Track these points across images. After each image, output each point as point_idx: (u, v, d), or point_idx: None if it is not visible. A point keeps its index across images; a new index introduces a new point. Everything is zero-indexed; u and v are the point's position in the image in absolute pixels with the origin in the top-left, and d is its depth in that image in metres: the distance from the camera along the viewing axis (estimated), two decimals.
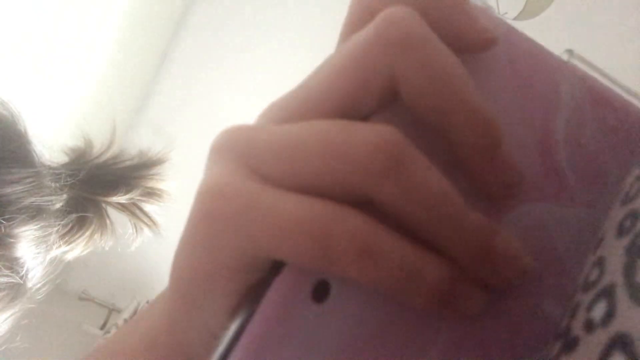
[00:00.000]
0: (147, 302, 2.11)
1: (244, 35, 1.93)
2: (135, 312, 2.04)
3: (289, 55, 1.92)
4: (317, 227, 0.14)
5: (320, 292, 0.15)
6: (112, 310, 2.11)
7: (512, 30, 0.18)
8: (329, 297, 0.15)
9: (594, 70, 0.18)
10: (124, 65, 1.77)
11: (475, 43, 0.17)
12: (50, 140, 0.55)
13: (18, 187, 0.46)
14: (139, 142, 2.05)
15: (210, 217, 0.16)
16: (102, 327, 2.03)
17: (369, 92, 0.16)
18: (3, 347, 0.53)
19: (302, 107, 0.17)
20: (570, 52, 0.18)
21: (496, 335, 0.16)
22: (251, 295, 0.16)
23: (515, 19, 1.70)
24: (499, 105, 0.17)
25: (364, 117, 0.17)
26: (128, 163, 0.59)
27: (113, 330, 1.86)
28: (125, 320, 1.95)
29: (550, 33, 1.72)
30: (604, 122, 0.17)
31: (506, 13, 1.73)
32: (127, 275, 2.07)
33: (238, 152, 0.17)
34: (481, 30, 0.17)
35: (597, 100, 0.17)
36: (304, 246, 0.14)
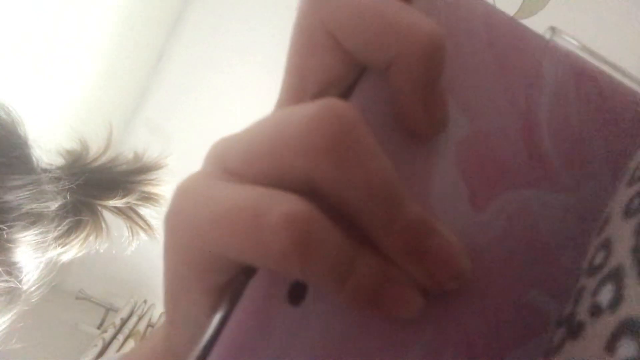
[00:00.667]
0: (145, 301, 2.11)
1: (240, 34, 1.92)
2: (132, 312, 2.03)
3: (286, 55, 1.92)
4: (247, 215, 0.13)
5: (297, 293, 0.15)
6: (109, 309, 2.10)
7: (491, 11, 0.17)
8: (306, 298, 0.15)
9: (579, 47, 0.17)
10: (121, 63, 1.76)
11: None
12: (47, 138, 0.55)
13: (20, 194, 0.47)
14: (135, 140, 2.04)
15: (171, 215, 0.16)
16: (99, 327, 2.02)
17: (321, 63, 0.16)
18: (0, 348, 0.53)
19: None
20: (552, 29, 0.17)
21: (482, 328, 0.15)
22: (229, 293, 0.15)
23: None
24: (480, 88, 0.16)
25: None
26: (125, 167, 0.59)
27: (110, 330, 1.86)
28: (122, 320, 1.94)
29: (544, 33, 1.72)
30: (588, 100, 0.17)
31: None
32: (124, 275, 2.07)
33: (215, 156, 0.17)
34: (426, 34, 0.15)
35: (581, 78, 0.17)
36: (237, 236, 0.14)
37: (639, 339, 0.11)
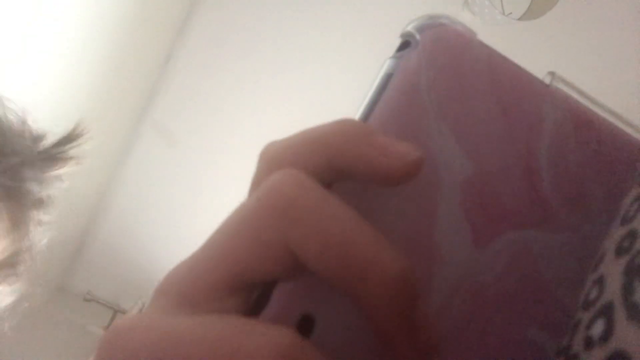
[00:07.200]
0: None
1: (248, 36, 1.93)
2: (139, 313, 2.04)
3: (293, 58, 1.93)
4: (225, 347, 0.13)
5: (305, 327, 0.15)
6: (117, 311, 2.12)
7: (494, 55, 0.17)
8: (314, 331, 0.15)
9: (577, 92, 0.18)
10: (128, 65, 1.77)
11: (394, 174, 0.15)
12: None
13: None
14: (142, 142, 2.04)
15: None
16: (107, 328, 2.04)
17: (267, 261, 0.15)
18: (7, 349, 0.53)
19: (199, 281, 0.16)
20: (552, 74, 0.18)
21: None
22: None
23: (519, 19, 1.70)
24: (483, 130, 0.17)
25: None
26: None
27: None
28: None
29: (553, 34, 1.72)
30: (587, 145, 0.17)
31: (511, 13, 1.73)
32: (132, 276, 2.08)
33: (164, 290, 0.17)
34: (396, 158, 0.15)
35: (580, 123, 0.17)
36: None
37: None
